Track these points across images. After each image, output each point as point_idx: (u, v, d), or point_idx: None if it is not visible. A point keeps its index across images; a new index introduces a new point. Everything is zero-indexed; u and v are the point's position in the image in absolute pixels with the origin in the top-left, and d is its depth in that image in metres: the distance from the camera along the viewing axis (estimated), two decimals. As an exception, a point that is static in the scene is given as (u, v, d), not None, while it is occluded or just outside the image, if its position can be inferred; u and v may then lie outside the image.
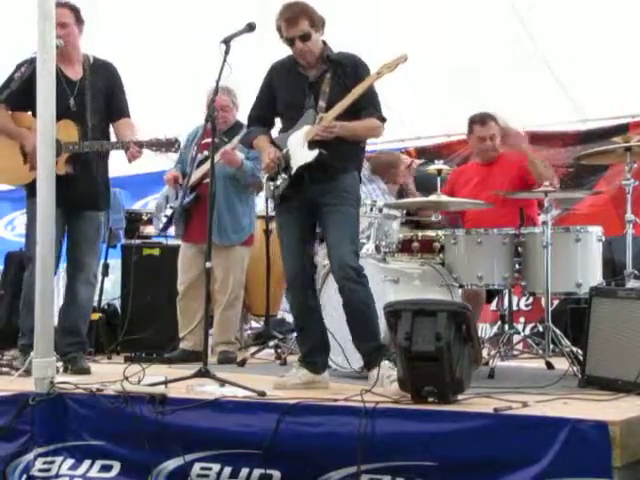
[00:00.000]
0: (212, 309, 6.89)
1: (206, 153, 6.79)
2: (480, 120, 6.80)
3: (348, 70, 5.23)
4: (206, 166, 6.66)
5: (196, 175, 6.82)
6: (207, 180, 6.40)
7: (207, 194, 6.40)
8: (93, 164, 5.94)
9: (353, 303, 5.12)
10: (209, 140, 6.79)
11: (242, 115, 6.41)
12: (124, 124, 6.03)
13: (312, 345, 5.34)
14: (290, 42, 5.28)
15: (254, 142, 5.48)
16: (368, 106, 5.21)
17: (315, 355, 5.33)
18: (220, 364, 6.60)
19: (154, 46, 8.95)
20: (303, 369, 5.30)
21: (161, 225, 7.15)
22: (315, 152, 5.13)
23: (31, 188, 5.79)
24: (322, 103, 5.22)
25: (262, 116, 5.50)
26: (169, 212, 7.04)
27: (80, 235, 5.98)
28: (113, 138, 6.06)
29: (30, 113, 5.81)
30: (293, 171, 5.22)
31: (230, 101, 6.94)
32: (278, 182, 5.27)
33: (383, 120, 5.27)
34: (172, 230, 7.26)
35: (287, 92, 5.40)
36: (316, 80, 5.30)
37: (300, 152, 5.20)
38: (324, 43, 5.35)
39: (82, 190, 5.84)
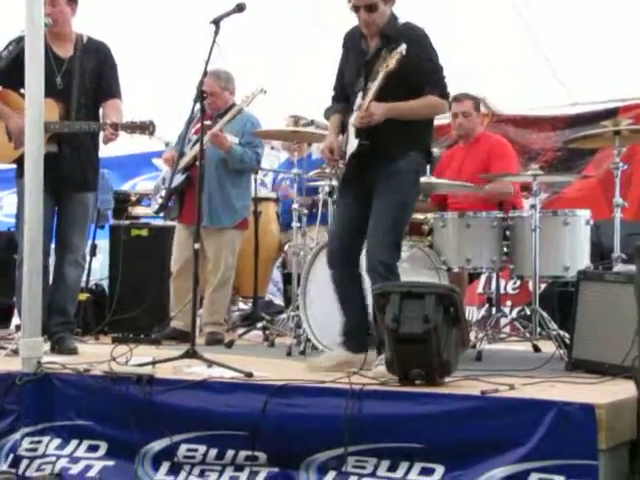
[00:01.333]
0: (202, 290, 6.89)
1: (198, 135, 6.79)
2: (456, 97, 6.79)
3: (408, 43, 4.92)
4: (196, 148, 6.64)
5: (189, 156, 6.81)
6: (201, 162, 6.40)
7: (199, 176, 6.43)
8: (81, 144, 5.91)
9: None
10: (206, 123, 6.83)
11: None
12: (110, 105, 5.99)
13: (350, 324, 5.22)
14: (356, 9, 5.10)
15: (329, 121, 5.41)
16: (427, 83, 5.02)
17: (350, 335, 5.20)
18: (208, 345, 6.60)
19: (152, 28, 8.92)
20: (340, 349, 5.20)
21: (157, 206, 7.15)
22: (356, 142, 5.06)
23: (20, 168, 5.78)
24: (370, 84, 5.02)
25: (341, 90, 5.38)
26: (164, 193, 7.03)
27: (69, 216, 5.96)
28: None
29: (22, 91, 5.78)
30: (346, 159, 5.17)
31: (217, 86, 6.89)
32: (340, 166, 5.24)
33: (444, 97, 5.10)
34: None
35: (348, 69, 5.30)
36: (371, 58, 5.13)
37: (351, 140, 5.14)
38: (393, 15, 5.16)
39: (70, 171, 5.82)
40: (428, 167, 6.12)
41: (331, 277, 5.30)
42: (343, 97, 5.36)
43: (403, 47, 4.85)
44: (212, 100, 6.83)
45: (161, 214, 7.39)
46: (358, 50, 5.25)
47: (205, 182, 6.70)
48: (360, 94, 5.14)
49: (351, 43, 5.32)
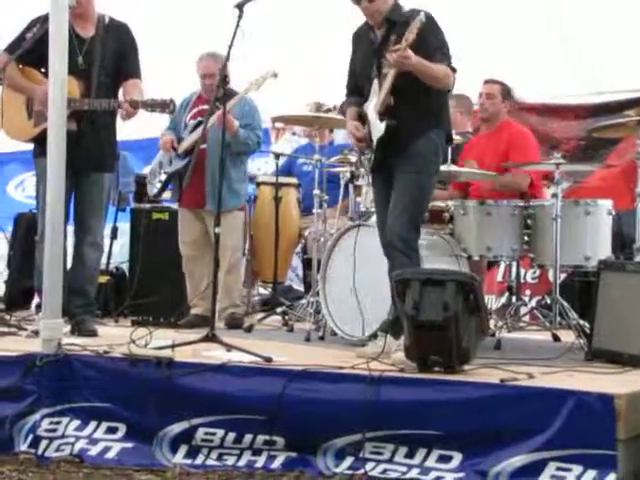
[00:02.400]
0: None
1: (199, 119, 6.80)
2: (487, 80, 6.82)
3: (404, 28, 5.00)
4: (199, 131, 6.64)
5: (189, 140, 6.81)
6: (202, 146, 6.41)
7: (201, 159, 6.43)
8: (100, 124, 5.93)
9: (394, 270, 4.98)
10: (203, 107, 6.85)
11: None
12: (132, 85, 6.01)
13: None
14: (357, 1, 5.19)
15: (346, 115, 5.47)
16: (438, 54, 5.06)
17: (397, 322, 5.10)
18: (229, 328, 6.63)
19: (174, 9, 8.92)
20: (390, 337, 5.09)
21: (155, 190, 7.15)
22: (383, 124, 5.10)
23: (38, 146, 5.80)
24: (385, 69, 5.12)
25: (353, 86, 5.49)
26: (163, 177, 7.02)
27: (86, 197, 5.98)
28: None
29: (42, 70, 5.80)
30: (374, 145, 5.19)
31: (217, 68, 6.85)
32: (368, 156, 5.27)
33: (454, 70, 5.13)
34: (166, 195, 7.27)
35: (359, 60, 5.39)
36: (380, 44, 5.22)
37: (375, 126, 5.17)
38: (397, 3, 5.25)
39: (88, 150, 5.83)
40: (450, 154, 6.11)
41: (388, 268, 5.26)
42: (356, 92, 5.46)
43: (422, 15, 4.92)
44: (211, 82, 6.82)
45: (161, 197, 7.39)
46: (367, 41, 5.34)
47: (208, 165, 6.71)
48: (376, 80, 5.20)
49: (359, 39, 5.43)
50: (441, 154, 5.38)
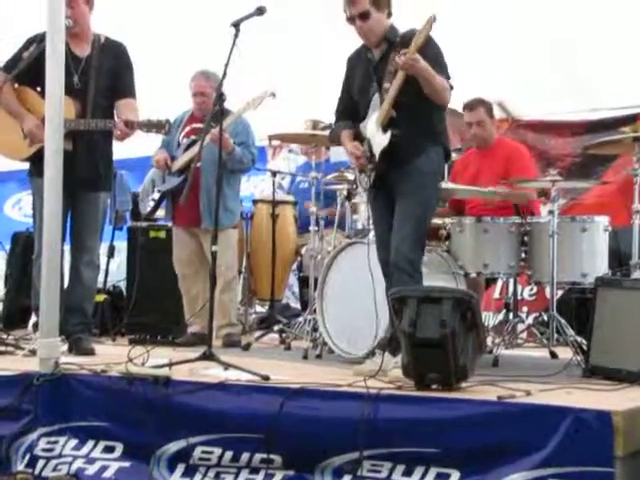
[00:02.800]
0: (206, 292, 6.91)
1: (193, 137, 6.82)
2: (468, 106, 6.82)
3: (405, 43, 5.05)
4: (194, 150, 6.67)
5: (183, 159, 6.83)
6: (195, 165, 6.43)
7: (195, 178, 6.44)
8: (95, 144, 5.93)
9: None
10: (195, 125, 6.88)
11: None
12: (126, 104, 6.02)
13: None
14: (351, 21, 5.24)
15: (340, 139, 5.45)
16: (437, 68, 5.06)
17: (393, 340, 5.11)
18: (225, 347, 6.62)
19: (169, 29, 8.93)
20: (387, 355, 5.09)
21: (148, 209, 7.16)
22: (388, 134, 5.12)
23: (34, 166, 5.81)
24: (387, 84, 5.14)
25: (345, 109, 5.51)
26: (157, 196, 7.03)
27: (82, 217, 5.98)
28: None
29: (38, 89, 5.82)
30: (376, 159, 5.20)
31: (209, 86, 6.86)
32: (368, 173, 5.27)
33: (451, 87, 5.15)
34: (159, 214, 7.28)
35: (357, 79, 5.40)
36: (379, 61, 5.26)
37: (378, 138, 5.18)
38: (393, 26, 5.29)
39: (84, 170, 5.83)
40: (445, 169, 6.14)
41: (386, 287, 5.28)
42: (346, 117, 5.49)
43: (432, 16, 4.94)
44: (202, 100, 6.87)
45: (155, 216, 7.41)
46: (364, 62, 5.38)
47: (203, 184, 6.74)
48: (376, 95, 5.23)
49: (355, 60, 5.47)
50: (441, 172, 5.41)
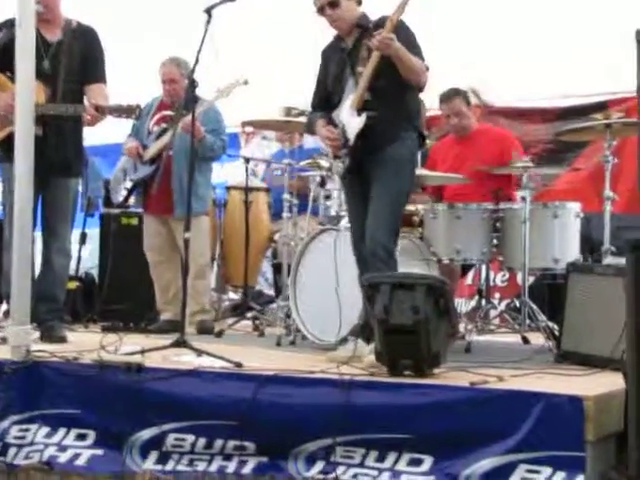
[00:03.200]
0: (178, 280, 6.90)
1: (163, 126, 6.81)
2: (444, 98, 6.83)
3: (378, 29, 5.02)
4: (165, 138, 6.65)
5: (155, 147, 6.80)
6: (167, 153, 6.43)
7: (167, 166, 6.40)
8: (65, 129, 5.89)
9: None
10: (165, 113, 6.86)
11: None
12: (96, 89, 5.97)
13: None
14: (321, 11, 5.23)
15: (314, 127, 5.43)
16: (413, 51, 5.05)
17: (366, 327, 5.13)
18: (199, 334, 6.62)
19: (141, 14, 8.89)
20: (360, 341, 5.12)
21: (121, 198, 7.13)
22: (363, 117, 5.10)
23: (3, 152, 5.76)
24: (360, 68, 5.12)
25: (321, 100, 5.49)
26: (129, 184, 7.00)
27: (53, 203, 5.93)
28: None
29: (8, 74, 5.77)
30: (351, 142, 5.18)
31: (178, 73, 6.83)
32: (342, 159, 5.24)
33: (427, 68, 5.13)
34: (130, 201, 7.26)
35: (332, 68, 5.38)
36: (353, 48, 5.24)
37: (352, 122, 5.16)
38: (364, 14, 5.28)
39: (54, 156, 5.78)
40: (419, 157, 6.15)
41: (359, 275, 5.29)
42: (322, 105, 5.46)
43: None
44: (172, 87, 6.85)
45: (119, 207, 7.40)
46: (338, 50, 5.37)
47: (174, 172, 6.72)
48: (350, 80, 5.22)
49: (329, 52, 5.46)
50: (416, 157, 5.40)
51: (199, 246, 6.77)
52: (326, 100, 5.45)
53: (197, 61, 5.29)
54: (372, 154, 5.17)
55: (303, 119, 6.93)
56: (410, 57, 5.02)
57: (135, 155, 6.87)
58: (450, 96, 6.80)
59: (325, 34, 5.50)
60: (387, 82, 5.09)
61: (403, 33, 5.06)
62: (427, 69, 5.14)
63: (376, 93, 5.13)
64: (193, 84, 5.36)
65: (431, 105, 7.60)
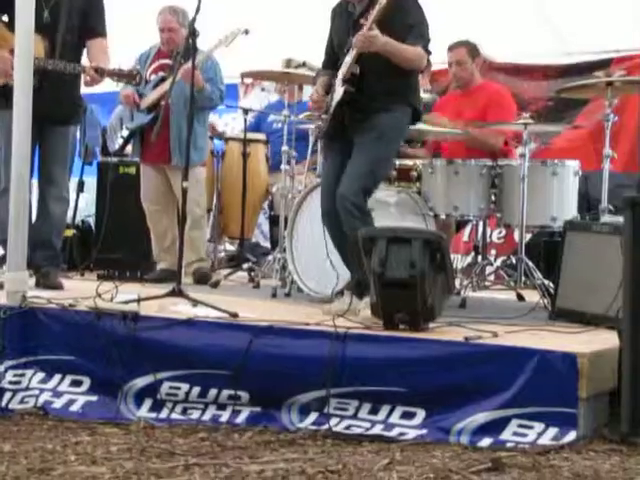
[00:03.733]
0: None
1: (161, 74, 6.78)
2: (451, 45, 6.79)
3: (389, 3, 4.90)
4: (164, 87, 6.61)
5: (153, 96, 6.77)
6: (164, 102, 6.40)
7: (165, 115, 6.38)
8: (61, 79, 5.85)
9: (348, 231, 5.01)
10: (163, 61, 6.82)
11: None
12: (97, 44, 5.95)
13: (357, 279, 5.17)
14: None
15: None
16: (412, 35, 5.01)
17: (362, 286, 5.10)
18: (197, 283, 6.63)
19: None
20: (352, 296, 5.15)
21: (117, 146, 7.10)
22: (341, 89, 5.09)
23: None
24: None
25: (329, 60, 5.44)
26: (125, 133, 6.98)
27: (50, 150, 5.92)
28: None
29: (4, 19, 5.77)
30: (330, 110, 5.18)
31: (176, 21, 6.80)
32: (322, 122, 5.27)
33: (428, 52, 5.11)
34: (127, 150, 7.24)
35: (337, 33, 5.35)
36: (360, 15, 5.13)
37: (338, 91, 5.16)
38: None
39: (50, 105, 5.73)
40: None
41: (331, 237, 5.32)
42: (331, 64, 5.41)
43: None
44: (170, 36, 6.80)
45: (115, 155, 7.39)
46: (346, 14, 5.30)
47: (172, 121, 6.68)
48: (350, 51, 5.15)
49: (339, 11, 5.38)
50: (404, 131, 5.34)
51: (195, 196, 6.76)
52: (334, 60, 5.38)
53: (198, 10, 5.26)
54: (358, 122, 5.13)
55: (303, 71, 6.91)
56: (401, 49, 4.98)
57: (131, 103, 6.83)
58: (455, 45, 6.76)
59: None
60: (380, 56, 5.01)
61: (399, 16, 5.00)
62: (429, 53, 5.10)
63: (369, 65, 5.07)
64: (194, 33, 5.33)
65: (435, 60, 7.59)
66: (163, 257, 6.84)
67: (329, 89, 5.30)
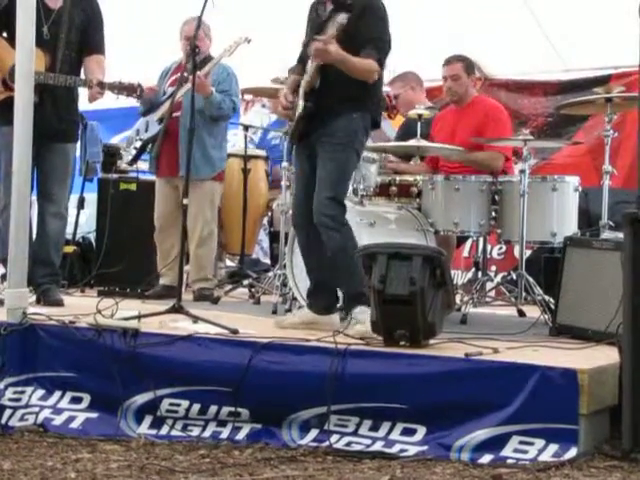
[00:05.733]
0: (187, 246, 6.89)
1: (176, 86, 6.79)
2: (446, 60, 6.77)
3: (354, 11, 4.99)
4: (176, 98, 6.62)
5: (165, 106, 6.77)
6: (175, 114, 6.40)
7: (174, 127, 6.39)
8: (61, 95, 5.87)
9: (330, 249, 5.04)
10: (178, 75, 6.82)
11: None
12: (94, 61, 5.97)
13: (312, 285, 5.28)
14: None
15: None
16: (369, 46, 5.03)
17: (315, 295, 5.24)
18: (196, 301, 6.61)
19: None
20: (305, 309, 5.28)
21: (130, 157, 7.11)
22: (301, 105, 5.12)
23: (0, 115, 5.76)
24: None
25: (301, 56, 5.42)
26: (138, 144, 6.99)
27: (49, 167, 5.92)
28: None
29: (4, 34, 5.79)
30: (294, 119, 5.20)
31: (201, 32, 6.83)
32: (291, 124, 5.26)
33: (381, 65, 5.09)
34: (143, 166, 7.25)
35: (307, 33, 5.35)
36: (325, 21, 5.16)
37: (299, 102, 5.17)
38: None
39: (49, 121, 5.75)
40: (419, 128, 6.14)
41: (297, 241, 5.37)
42: (304, 63, 5.38)
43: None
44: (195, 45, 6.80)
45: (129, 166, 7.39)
46: (315, 15, 5.32)
47: (182, 132, 6.67)
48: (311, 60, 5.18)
49: (313, 13, 5.39)
50: (363, 134, 5.24)
51: (203, 213, 6.76)
52: (303, 57, 5.37)
53: (199, 25, 5.30)
54: (318, 128, 5.13)
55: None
56: (351, 61, 5.00)
57: (151, 96, 6.80)
58: (451, 59, 6.75)
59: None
60: (332, 68, 5.04)
61: (365, 25, 5.03)
62: (382, 66, 5.10)
63: (325, 74, 5.09)
64: (195, 48, 5.35)
65: (432, 76, 7.63)
66: (166, 273, 6.82)
67: (297, 89, 5.28)
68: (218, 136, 6.97)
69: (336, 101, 5.10)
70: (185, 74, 6.46)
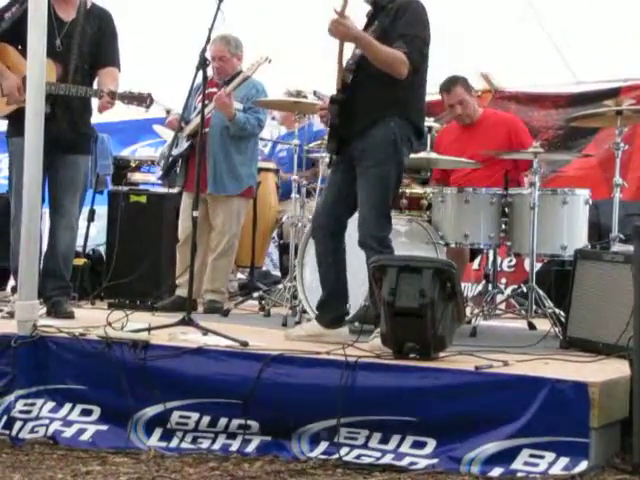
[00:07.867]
0: (206, 257, 6.90)
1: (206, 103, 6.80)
2: (445, 88, 6.72)
3: (391, 13, 4.96)
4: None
5: (193, 123, 6.79)
6: (205, 130, 6.43)
7: (203, 144, 6.41)
8: (73, 107, 5.89)
9: (369, 267, 4.82)
10: (212, 90, 6.84)
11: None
12: (107, 73, 5.98)
13: (325, 295, 5.23)
14: None
15: None
16: (400, 40, 4.89)
17: (326, 306, 5.21)
18: (206, 313, 6.61)
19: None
20: (313, 321, 5.26)
21: (160, 172, 7.14)
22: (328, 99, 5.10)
23: (12, 126, 5.77)
24: (357, 50, 5.05)
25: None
26: (169, 160, 7.01)
27: (60, 180, 5.93)
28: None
29: (19, 47, 5.78)
30: (328, 123, 5.16)
31: (227, 51, 6.84)
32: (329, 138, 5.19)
33: (410, 58, 4.86)
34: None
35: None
36: (364, 28, 5.09)
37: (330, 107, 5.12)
38: None
39: (61, 133, 5.77)
40: (428, 141, 6.14)
41: (315, 250, 5.31)
42: None
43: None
44: (220, 65, 6.84)
45: (160, 182, 7.41)
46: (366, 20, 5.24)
47: (209, 149, 6.71)
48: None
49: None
50: (403, 145, 5.05)
51: (229, 228, 6.78)
52: None
53: (209, 39, 5.30)
54: (354, 139, 5.04)
55: (313, 100, 6.92)
56: (378, 48, 4.87)
57: (175, 127, 6.83)
58: (450, 86, 6.70)
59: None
60: (370, 65, 4.94)
61: (400, 21, 4.96)
62: (411, 60, 4.88)
63: (362, 73, 5.01)
64: (204, 62, 5.35)
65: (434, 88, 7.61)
66: (183, 284, 6.80)
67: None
68: (247, 152, 6.95)
69: (371, 103, 4.98)
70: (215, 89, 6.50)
